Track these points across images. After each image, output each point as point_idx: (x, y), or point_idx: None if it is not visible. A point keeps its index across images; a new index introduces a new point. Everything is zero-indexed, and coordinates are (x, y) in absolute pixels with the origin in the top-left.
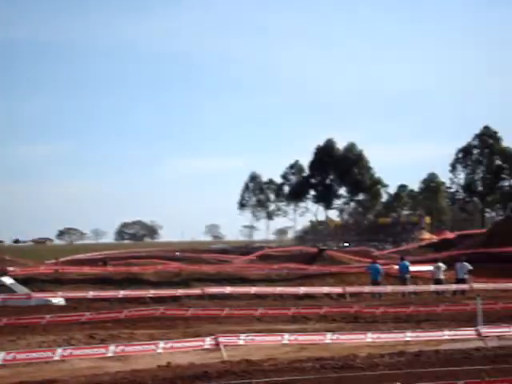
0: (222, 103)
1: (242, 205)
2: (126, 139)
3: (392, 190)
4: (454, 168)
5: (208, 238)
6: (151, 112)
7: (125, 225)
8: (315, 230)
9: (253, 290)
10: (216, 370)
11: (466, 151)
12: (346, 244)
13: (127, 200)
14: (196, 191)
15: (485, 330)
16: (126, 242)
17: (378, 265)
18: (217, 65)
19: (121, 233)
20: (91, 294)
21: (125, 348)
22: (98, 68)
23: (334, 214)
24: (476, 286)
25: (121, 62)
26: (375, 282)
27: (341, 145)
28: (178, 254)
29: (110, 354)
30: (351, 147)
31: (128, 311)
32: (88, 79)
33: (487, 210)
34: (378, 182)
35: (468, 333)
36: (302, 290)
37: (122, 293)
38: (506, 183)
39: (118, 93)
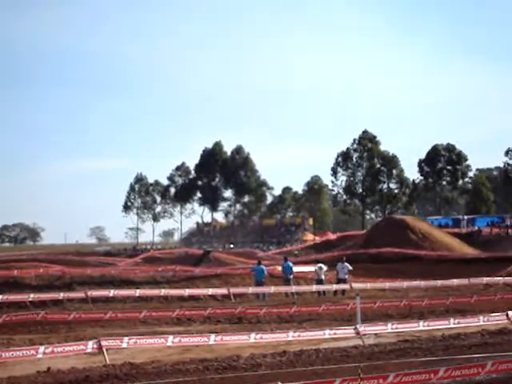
0: (106, 103)
1: (127, 207)
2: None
3: (277, 192)
4: (334, 171)
5: (93, 241)
6: (31, 110)
7: (4, 227)
8: (201, 232)
9: (137, 292)
10: (98, 373)
11: (346, 154)
12: (232, 245)
13: (7, 202)
14: (80, 193)
15: (363, 329)
16: (5, 245)
17: (262, 266)
18: (99, 63)
19: (0, 236)
20: None
21: (2, 354)
22: None
23: (220, 216)
24: (355, 285)
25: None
26: (259, 283)
27: (228, 148)
28: None
29: None
30: (238, 150)
31: (6, 316)
32: None
33: (367, 211)
34: (263, 185)
35: (347, 331)
36: (187, 291)
37: (0, 297)
38: (385, 185)
39: None
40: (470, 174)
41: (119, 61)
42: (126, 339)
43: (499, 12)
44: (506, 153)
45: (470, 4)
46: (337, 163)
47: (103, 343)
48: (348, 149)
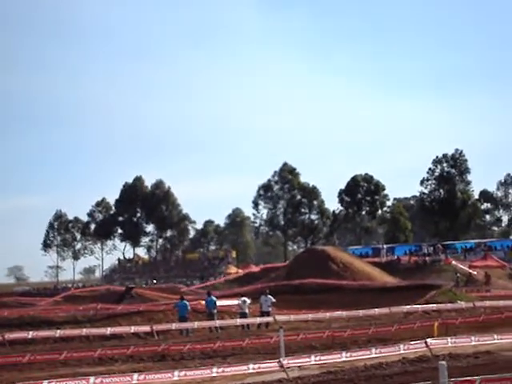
0: (22, 138)
1: (47, 245)
2: None
3: (199, 225)
4: (256, 204)
5: (11, 281)
6: None
7: None
8: (123, 268)
9: (57, 333)
10: None
11: (266, 187)
12: (155, 281)
13: None
14: None
15: (287, 362)
16: None
17: (185, 301)
18: (16, 97)
19: None
20: None
21: None
22: None
23: (142, 251)
24: (279, 318)
25: None
26: (183, 319)
27: (149, 182)
28: None
29: None
30: (159, 184)
31: None
32: None
33: (289, 243)
34: (185, 218)
35: (271, 365)
36: (109, 330)
37: None
38: (306, 217)
39: None
40: (388, 203)
41: (38, 95)
42: (45, 382)
43: (420, 45)
44: (421, 182)
45: (391, 36)
46: (258, 195)
47: None
48: (269, 181)
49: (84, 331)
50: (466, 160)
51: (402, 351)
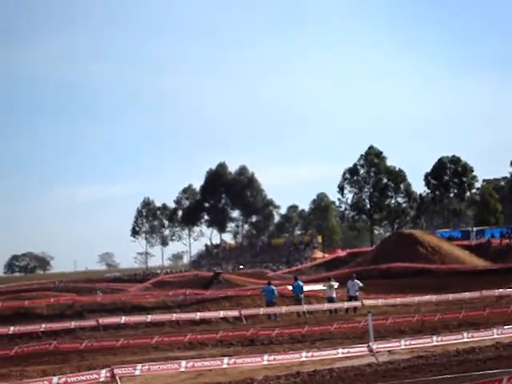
0: (111, 129)
1: (136, 231)
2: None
3: (283, 210)
4: (341, 188)
5: (102, 267)
6: (38, 138)
7: (14, 257)
8: (210, 254)
9: (148, 318)
10: None
11: (352, 171)
12: (241, 266)
13: (16, 232)
14: (88, 219)
15: (376, 346)
16: (16, 274)
17: (272, 286)
18: (104, 90)
19: (11, 266)
20: None
21: None
22: None
23: (228, 237)
24: (367, 302)
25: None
26: (270, 304)
27: (232, 168)
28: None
29: None
30: (243, 170)
31: (18, 347)
32: None
33: (375, 227)
34: (269, 204)
35: (360, 349)
36: (199, 315)
37: (11, 329)
38: (392, 201)
39: None
40: (477, 184)
41: (123, 86)
42: (138, 366)
43: (505, 24)
44: None
45: (475, 17)
46: (343, 179)
47: (116, 371)
48: (355, 165)
49: (174, 316)
50: None
51: (495, 336)
